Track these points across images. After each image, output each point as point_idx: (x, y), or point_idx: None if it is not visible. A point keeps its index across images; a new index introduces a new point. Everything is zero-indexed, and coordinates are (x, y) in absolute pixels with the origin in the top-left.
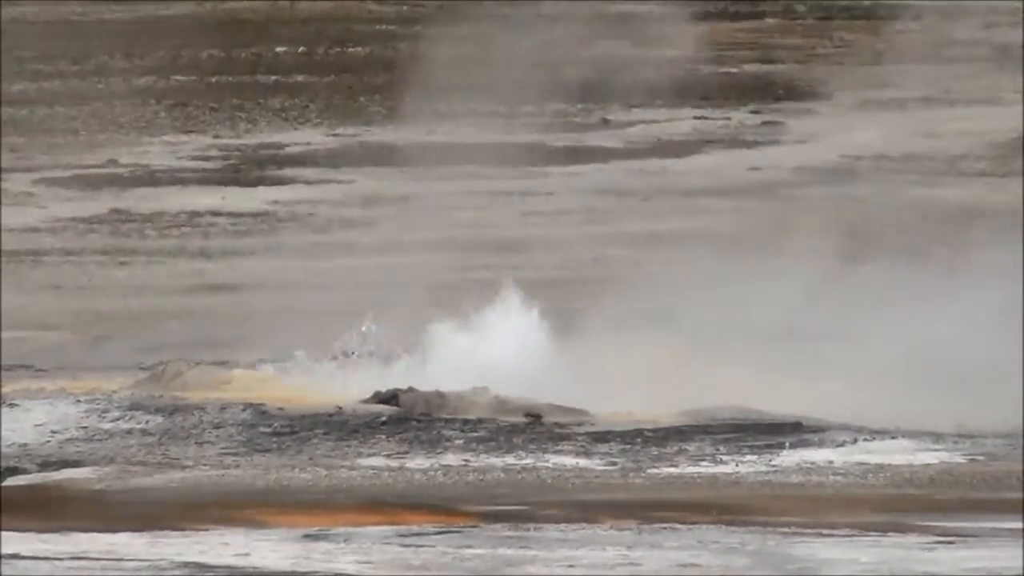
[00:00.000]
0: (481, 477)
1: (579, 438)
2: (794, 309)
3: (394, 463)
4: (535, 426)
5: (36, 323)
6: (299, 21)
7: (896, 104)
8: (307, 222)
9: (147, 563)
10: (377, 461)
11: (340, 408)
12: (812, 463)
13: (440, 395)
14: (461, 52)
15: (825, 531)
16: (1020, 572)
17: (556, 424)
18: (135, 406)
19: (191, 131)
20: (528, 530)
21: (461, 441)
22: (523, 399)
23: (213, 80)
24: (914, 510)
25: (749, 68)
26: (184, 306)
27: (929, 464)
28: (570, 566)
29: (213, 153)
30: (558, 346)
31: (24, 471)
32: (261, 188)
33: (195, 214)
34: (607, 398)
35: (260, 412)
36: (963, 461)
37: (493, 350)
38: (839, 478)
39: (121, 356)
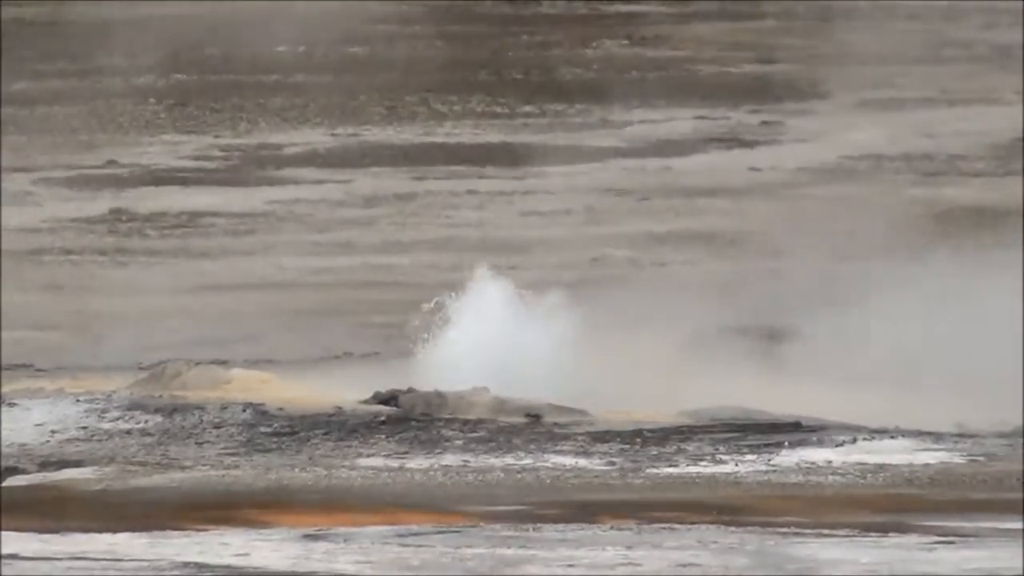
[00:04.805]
0: (481, 477)
1: (579, 438)
2: (793, 309)
3: (394, 463)
4: (535, 426)
5: (36, 323)
6: (299, 21)
7: (896, 104)
8: (307, 222)
9: (147, 563)
10: (377, 461)
11: (340, 408)
12: (811, 463)
13: (440, 395)
14: (461, 52)
15: (825, 531)
16: (1020, 572)
17: (556, 424)
18: (135, 406)
19: (191, 131)
20: (528, 530)
21: (461, 441)
22: (523, 399)
23: (213, 80)
24: (914, 510)
25: (749, 68)
26: (184, 306)
27: (929, 464)
28: (570, 566)
29: (213, 153)
30: (558, 346)
31: (24, 471)
32: (261, 188)
33: (195, 214)
34: (607, 397)
35: (260, 412)
36: (963, 461)
37: (492, 349)
38: (839, 478)
39: (121, 356)
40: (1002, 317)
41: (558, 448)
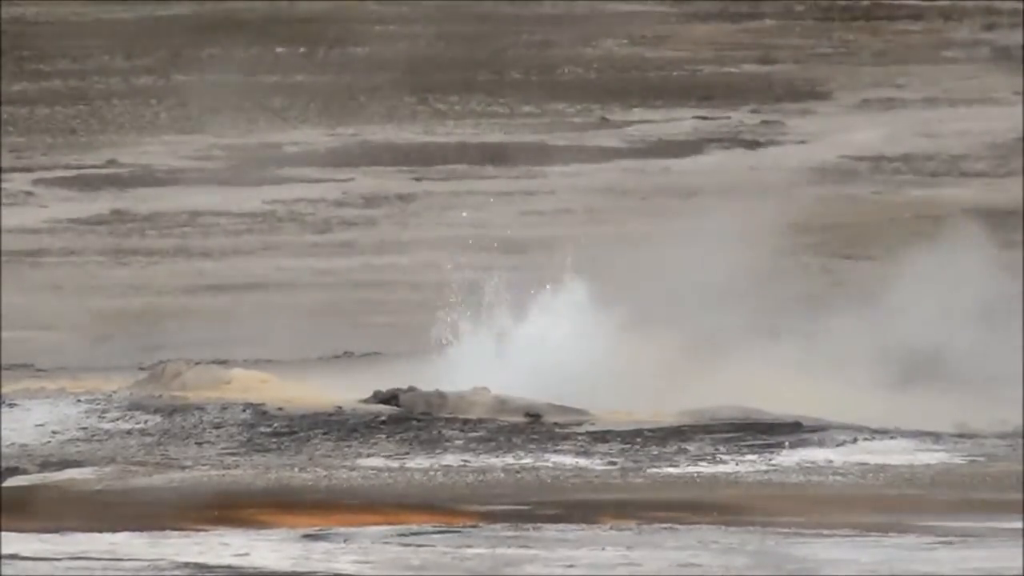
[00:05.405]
0: (481, 477)
1: (579, 438)
2: (793, 309)
3: (394, 463)
4: (535, 426)
5: (36, 323)
6: (299, 21)
7: (896, 104)
8: (307, 222)
9: (147, 563)
10: (377, 461)
11: (340, 408)
12: (812, 463)
13: (440, 395)
14: (461, 52)
15: (825, 531)
16: (1020, 572)
17: (556, 424)
18: (135, 406)
19: (191, 131)
20: (528, 530)
21: (461, 441)
22: (523, 399)
23: (213, 80)
24: (914, 510)
25: (749, 68)
26: (184, 306)
27: (929, 464)
28: (570, 566)
29: (213, 153)
30: (558, 345)
31: (24, 471)
32: (261, 188)
33: (195, 214)
34: (607, 397)
35: (260, 412)
36: (963, 461)
37: (492, 349)
38: (839, 478)
39: (121, 356)
40: (1002, 317)
41: (558, 448)
